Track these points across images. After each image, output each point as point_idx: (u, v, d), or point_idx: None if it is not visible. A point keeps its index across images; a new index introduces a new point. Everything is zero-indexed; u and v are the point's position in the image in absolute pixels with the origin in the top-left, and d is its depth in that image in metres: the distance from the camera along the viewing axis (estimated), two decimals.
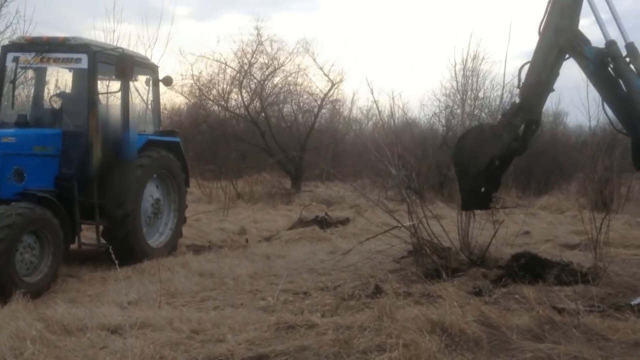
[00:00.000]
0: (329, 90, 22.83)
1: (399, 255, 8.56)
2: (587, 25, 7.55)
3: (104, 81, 9.20)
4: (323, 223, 12.87)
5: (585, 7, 7.31)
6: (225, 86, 22.50)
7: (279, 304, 6.58)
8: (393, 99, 9.63)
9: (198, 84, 22.33)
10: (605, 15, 7.25)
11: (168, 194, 9.79)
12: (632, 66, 6.87)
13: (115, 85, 8.86)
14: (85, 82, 8.49)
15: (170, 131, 10.38)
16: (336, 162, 25.02)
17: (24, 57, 8.52)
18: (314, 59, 22.47)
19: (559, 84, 7.47)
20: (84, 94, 8.46)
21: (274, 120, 22.84)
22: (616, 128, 7.53)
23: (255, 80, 22.15)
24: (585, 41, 7.14)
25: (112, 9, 20.33)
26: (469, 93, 21.57)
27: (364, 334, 4.82)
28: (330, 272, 8.32)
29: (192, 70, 21.99)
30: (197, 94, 22.70)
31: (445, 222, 10.15)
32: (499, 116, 8.47)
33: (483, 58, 22.37)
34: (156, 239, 9.56)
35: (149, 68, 9.76)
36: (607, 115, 7.33)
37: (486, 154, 7.56)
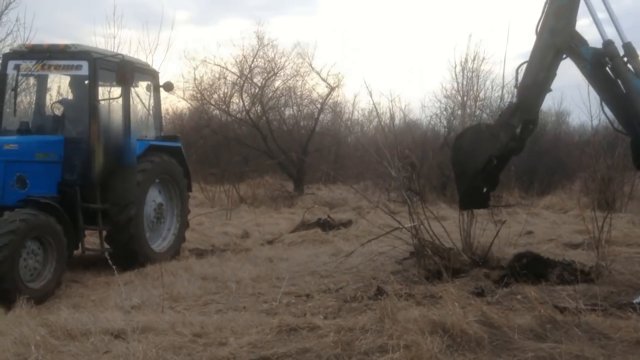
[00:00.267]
0: (328, 94, 22.89)
1: (401, 256, 8.57)
2: (585, 25, 7.59)
3: (106, 87, 9.20)
4: (325, 225, 12.88)
5: (583, 8, 7.33)
6: (226, 90, 22.57)
7: (281, 306, 6.59)
8: (392, 101, 9.64)
9: (199, 88, 22.41)
10: (602, 15, 7.28)
11: (170, 199, 9.82)
12: (630, 66, 6.89)
13: (117, 91, 8.87)
14: (86, 88, 8.54)
15: (172, 136, 10.42)
16: (338, 165, 25.04)
17: (25, 64, 8.57)
18: (310, 64, 22.53)
19: (560, 83, 7.50)
20: (85, 100, 8.50)
21: (275, 123, 22.89)
22: (615, 128, 7.54)
23: (256, 85, 22.20)
24: (582, 42, 7.16)
25: (112, 15, 20.55)
26: (470, 94, 21.66)
27: (365, 336, 4.83)
28: (332, 274, 8.33)
29: (194, 74, 22.09)
30: (199, 99, 22.78)
31: (447, 223, 10.19)
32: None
33: (483, 59, 22.48)
34: (159, 244, 9.60)
35: (150, 74, 9.81)
36: (606, 115, 7.38)
37: (484, 153, 7.60)
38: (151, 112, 9.90)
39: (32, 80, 9.44)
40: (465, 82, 22.23)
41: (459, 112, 21.15)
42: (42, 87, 9.64)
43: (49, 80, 9.68)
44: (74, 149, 8.28)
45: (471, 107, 21.22)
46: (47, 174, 8.10)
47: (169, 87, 9.83)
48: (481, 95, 21.91)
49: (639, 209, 15.90)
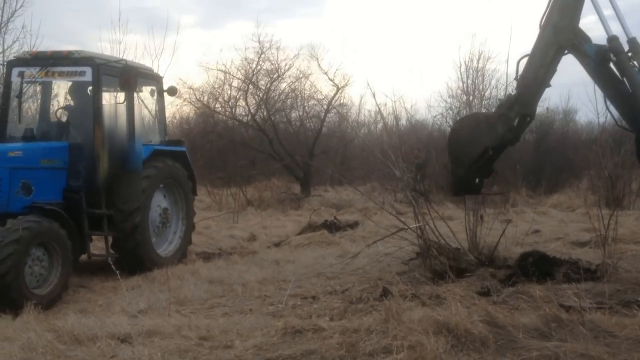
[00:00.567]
0: (334, 95, 22.90)
1: (407, 257, 8.56)
2: (593, 22, 7.56)
3: (110, 93, 9.24)
4: (332, 227, 12.87)
5: (587, 4, 7.32)
6: (231, 93, 22.63)
7: (287, 308, 6.61)
8: (395, 102, 9.66)
9: (205, 93, 22.48)
10: (608, 11, 7.27)
11: (175, 203, 9.85)
12: (635, 62, 6.87)
13: (121, 96, 8.92)
14: (90, 94, 8.59)
15: (177, 141, 10.45)
16: (345, 166, 25.05)
17: (29, 71, 8.61)
18: (319, 64, 22.56)
19: (567, 80, 7.56)
20: (89, 106, 8.55)
21: (282, 126, 22.92)
22: (620, 125, 7.52)
23: (261, 88, 22.25)
24: (586, 39, 7.16)
25: (117, 20, 20.69)
26: (476, 93, 21.63)
27: (370, 337, 4.85)
28: (338, 275, 8.34)
29: (192, 89, 22.16)
30: (205, 103, 22.86)
31: (455, 223, 10.16)
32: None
33: (489, 58, 22.45)
34: (165, 248, 9.63)
35: (154, 79, 9.84)
36: (610, 112, 7.35)
37: (480, 143, 7.64)
38: (155, 116, 9.93)
39: (36, 87, 9.48)
40: (470, 82, 22.24)
41: (465, 111, 21.09)
42: (46, 94, 9.70)
43: (53, 86, 9.75)
44: (78, 155, 8.32)
45: (477, 107, 21.16)
46: (52, 180, 8.14)
47: (172, 91, 9.86)
48: (487, 94, 21.89)
49: None
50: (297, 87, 23.09)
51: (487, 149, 7.62)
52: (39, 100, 9.77)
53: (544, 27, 7.43)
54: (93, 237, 8.74)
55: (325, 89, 23.14)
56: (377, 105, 18.18)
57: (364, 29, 50.22)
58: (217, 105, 22.79)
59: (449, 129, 22.22)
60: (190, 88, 22.01)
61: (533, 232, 11.53)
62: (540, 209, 16.37)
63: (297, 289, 7.54)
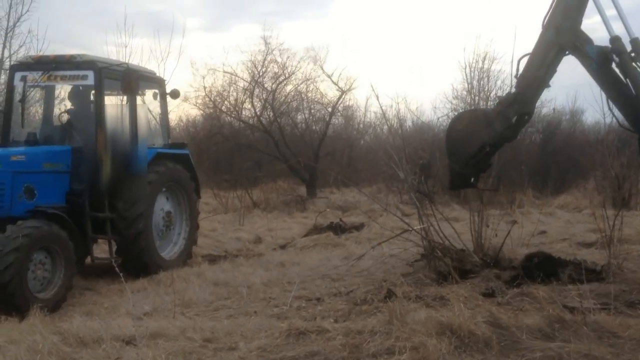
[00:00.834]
0: (339, 98, 22.92)
1: (412, 258, 8.57)
2: (596, 23, 7.55)
3: (113, 96, 9.28)
4: (338, 229, 12.89)
5: (590, 5, 7.31)
6: (237, 96, 22.69)
7: (291, 310, 6.62)
8: (398, 103, 9.69)
9: (210, 95, 22.54)
10: (610, 11, 7.26)
11: (179, 204, 9.85)
12: (638, 63, 6.87)
13: (123, 100, 8.95)
14: (93, 98, 8.64)
15: (180, 144, 10.47)
16: (351, 168, 25.05)
17: (32, 75, 8.65)
18: (322, 67, 22.58)
19: (573, 81, 7.55)
20: (91, 110, 8.57)
21: (288, 128, 22.95)
22: (622, 125, 7.52)
23: (267, 90, 22.29)
24: (588, 40, 7.18)
25: (123, 24, 20.78)
26: (481, 94, 21.60)
27: (373, 338, 4.86)
28: (343, 277, 8.35)
29: (203, 82, 22.23)
30: (210, 106, 22.92)
31: (460, 224, 10.18)
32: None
33: (494, 59, 22.40)
34: (170, 250, 9.65)
35: (156, 82, 9.86)
36: (612, 113, 7.40)
37: (478, 139, 7.71)
38: (158, 120, 9.95)
39: (39, 92, 9.52)
40: (475, 83, 22.20)
41: None
42: (49, 98, 9.72)
43: (56, 90, 9.78)
44: (81, 159, 8.34)
45: (482, 107, 21.12)
46: (55, 184, 8.14)
47: (175, 94, 9.88)
48: (492, 95, 21.83)
49: None
50: (302, 89, 23.14)
51: (485, 146, 7.70)
52: (42, 104, 9.79)
53: (546, 28, 7.45)
54: (100, 241, 8.76)
55: (330, 93, 23.18)
56: (381, 107, 18.15)
57: (368, 31, 50.26)
58: (223, 108, 22.85)
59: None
60: (203, 86, 22.06)
61: (539, 233, 11.52)
62: (546, 209, 16.33)
63: (301, 291, 7.55)
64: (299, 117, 23.70)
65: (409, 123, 19.87)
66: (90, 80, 8.50)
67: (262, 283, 8.13)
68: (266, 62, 22.11)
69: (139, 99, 9.04)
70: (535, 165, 21.25)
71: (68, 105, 9.37)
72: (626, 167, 15.63)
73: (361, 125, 28.35)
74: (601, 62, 6.99)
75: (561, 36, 7.30)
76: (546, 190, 20.74)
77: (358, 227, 13.23)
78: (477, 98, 21.99)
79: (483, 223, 8.43)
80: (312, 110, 23.65)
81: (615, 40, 6.91)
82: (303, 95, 23.16)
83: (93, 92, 8.74)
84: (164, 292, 7.65)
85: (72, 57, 8.60)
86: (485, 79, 22.46)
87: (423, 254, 8.31)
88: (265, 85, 22.36)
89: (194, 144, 20.93)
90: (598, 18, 7.36)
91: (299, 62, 22.53)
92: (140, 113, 8.87)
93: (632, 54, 6.84)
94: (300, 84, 22.90)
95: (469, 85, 22.66)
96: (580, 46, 7.15)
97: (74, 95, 9.10)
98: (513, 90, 7.81)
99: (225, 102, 22.76)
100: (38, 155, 8.16)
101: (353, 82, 22.65)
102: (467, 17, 47.60)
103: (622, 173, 15.57)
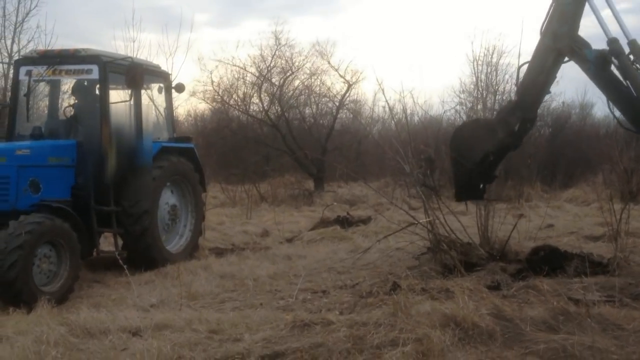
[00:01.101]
0: (346, 91, 22.90)
1: (418, 252, 8.58)
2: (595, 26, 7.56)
3: (118, 90, 9.31)
4: (345, 223, 12.91)
5: (587, 9, 7.36)
6: (245, 90, 22.72)
7: (297, 303, 6.65)
8: (404, 97, 9.67)
9: (218, 90, 22.58)
10: (605, 12, 7.29)
11: (184, 197, 9.88)
12: (637, 64, 6.88)
13: (129, 94, 8.97)
14: (98, 92, 8.68)
15: (185, 137, 10.50)
16: (359, 162, 25.05)
17: (37, 70, 8.67)
18: (329, 61, 22.57)
19: (583, 74, 7.46)
20: (96, 104, 8.61)
21: (295, 122, 22.97)
22: (624, 126, 7.54)
23: (274, 85, 22.31)
24: (585, 44, 7.24)
25: (131, 19, 20.88)
26: (489, 88, 21.52)
27: (378, 330, 4.87)
28: (349, 270, 8.37)
29: (211, 77, 22.28)
30: (218, 100, 22.97)
31: (467, 218, 10.16)
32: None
33: (503, 52, 22.31)
34: (177, 242, 9.69)
35: (161, 76, 9.87)
36: (613, 114, 7.45)
37: (481, 148, 7.75)
38: (163, 113, 9.98)
39: (44, 86, 9.56)
40: (483, 77, 22.12)
41: (479, 106, 21.00)
42: (54, 92, 9.76)
43: (61, 85, 9.82)
44: (86, 153, 8.37)
45: (490, 101, 21.07)
46: (60, 177, 8.17)
47: (180, 88, 9.89)
48: (500, 88, 21.77)
49: None
50: (310, 84, 23.14)
51: (488, 154, 7.74)
52: (47, 99, 9.83)
53: (544, 34, 7.53)
54: (106, 234, 8.80)
55: (338, 86, 23.17)
56: (386, 100, 18.17)
57: (377, 24, 50.12)
58: (231, 102, 22.89)
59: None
60: (210, 80, 22.10)
61: (547, 226, 11.51)
62: (554, 203, 16.30)
63: (307, 284, 7.57)
64: (307, 111, 23.73)
65: (416, 118, 19.80)
66: (95, 75, 8.52)
67: (268, 276, 8.16)
68: (274, 57, 22.15)
69: (144, 93, 9.08)
70: (544, 158, 21.18)
71: (73, 99, 9.39)
72: (634, 161, 15.55)
73: (369, 120, 28.36)
74: (599, 65, 7.04)
75: (559, 41, 7.37)
76: (555, 184, 20.68)
77: (365, 221, 13.24)
78: (485, 92, 21.92)
79: (489, 216, 8.43)
80: (320, 104, 23.67)
81: (612, 42, 6.95)
82: (310, 90, 23.18)
83: (98, 86, 8.77)
84: (170, 285, 7.70)
85: (76, 51, 8.63)
86: (494, 73, 22.39)
87: (429, 247, 8.32)
88: (273, 80, 22.39)
89: (202, 138, 21.00)
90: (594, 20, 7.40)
91: (306, 56, 22.57)
92: (145, 107, 8.89)
93: (630, 56, 6.85)
94: (308, 78, 22.93)
95: (477, 79, 22.60)
96: (578, 50, 7.21)
97: (77, 90, 9.14)
98: (514, 98, 7.85)
99: (234, 96, 22.81)
100: (43, 149, 8.18)
101: (360, 75, 22.65)
102: (476, 10, 47.42)
103: (631, 167, 15.49)
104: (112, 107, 8.59)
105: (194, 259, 9.59)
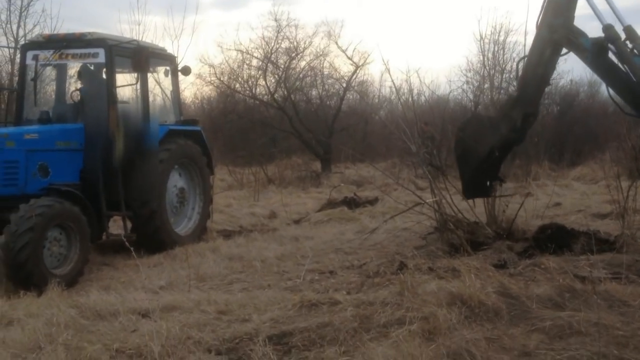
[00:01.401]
0: (353, 73, 22.81)
1: (425, 232, 8.60)
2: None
3: (125, 74, 9.32)
4: (352, 204, 12.94)
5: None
6: (250, 73, 22.68)
7: (304, 283, 6.70)
8: (410, 77, 9.66)
9: (222, 76, 22.54)
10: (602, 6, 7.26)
11: (192, 180, 9.91)
12: (635, 50, 6.84)
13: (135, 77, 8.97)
14: (104, 76, 8.69)
15: (192, 120, 10.50)
16: (366, 143, 25.03)
17: (43, 54, 8.69)
18: (336, 42, 22.47)
19: None
20: (103, 87, 8.62)
21: (302, 104, 22.93)
22: (625, 112, 7.53)
23: (280, 67, 22.25)
24: (581, 33, 7.23)
25: (136, 2, 20.81)
26: (497, 67, 21.38)
27: (384, 309, 4.91)
28: (356, 250, 8.41)
29: (215, 61, 22.24)
30: (225, 83, 22.94)
31: None
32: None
33: (510, 30, 22.14)
34: (185, 225, 9.73)
35: (167, 59, 9.86)
36: (614, 101, 7.48)
37: (485, 144, 7.80)
38: (170, 96, 9.99)
39: (50, 70, 9.58)
40: (490, 55, 21.99)
41: (486, 85, 20.91)
42: (61, 76, 9.74)
43: (67, 68, 9.84)
44: (94, 136, 8.40)
45: (497, 80, 20.98)
46: (68, 161, 8.21)
47: (186, 71, 9.88)
48: (508, 67, 21.63)
49: None
50: (316, 65, 23.07)
51: (493, 150, 7.77)
52: (54, 83, 9.86)
53: (540, 27, 7.55)
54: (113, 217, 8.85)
55: (345, 68, 23.09)
56: (393, 81, 18.12)
57: (382, 3, 49.70)
58: (237, 85, 22.85)
59: (469, 104, 22.21)
60: (212, 66, 22.07)
61: (554, 204, 11.50)
62: (562, 181, 16.26)
63: (315, 264, 7.62)
64: (313, 92, 23.67)
65: (423, 98, 19.77)
66: (101, 58, 8.53)
67: (276, 257, 8.21)
68: (278, 38, 22.07)
69: (150, 76, 9.08)
70: (551, 137, 21.09)
71: (80, 83, 9.40)
72: None
73: (376, 100, 28.28)
74: (596, 52, 7.02)
75: (555, 33, 7.38)
76: (562, 162, 20.62)
77: (372, 202, 13.27)
78: (492, 71, 21.80)
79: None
80: (326, 86, 23.61)
81: (608, 28, 6.91)
82: (317, 71, 23.11)
83: (104, 70, 8.78)
84: (179, 267, 7.76)
85: (82, 35, 8.63)
86: (501, 51, 22.25)
87: (436, 227, 8.34)
88: (279, 62, 22.32)
89: (209, 121, 21.02)
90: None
91: (311, 37, 22.48)
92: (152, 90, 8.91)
93: (627, 42, 6.81)
94: (314, 59, 22.85)
95: (484, 58, 22.46)
96: (574, 40, 7.21)
97: (84, 74, 9.15)
98: (515, 93, 7.89)
99: (239, 80, 22.78)
100: (51, 133, 8.22)
101: (368, 57, 22.56)
102: None
103: (639, 144, 15.37)
104: (119, 91, 8.61)
105: (202, 241, 9.64)
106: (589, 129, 21.82)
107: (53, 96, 9.86)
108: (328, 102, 23.59)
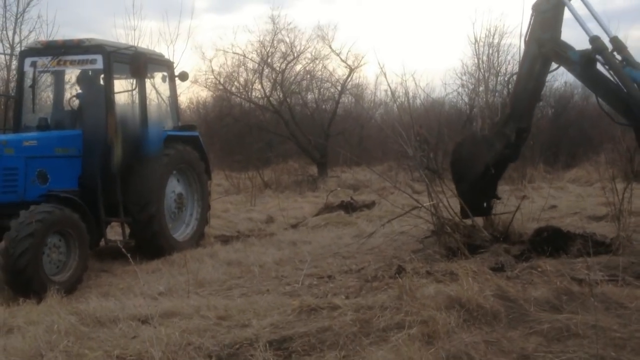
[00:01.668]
0: (348, 76, 22.87)
1: (422, 235, 8.63)
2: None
3: (123, 80, 9.35)
4: (349, 208, 12.97)
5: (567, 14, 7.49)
6: (246, 76, 22.72)
7: (303, 288, 6.71)
8: (405, 80, 9.73)
9: (219, 77, 22.58)
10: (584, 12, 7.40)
11: (190, 185, 9.94)
12: (623, 60, 6.94)
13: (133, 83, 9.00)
14: (102, 82, 8.71)
15: (189, 125, 10.53)
16: (362, 146, 25.06)
17: (41, 61, 8.73)
18: (330, 46, 22.54)
19: None
20: (101, 94, 8.64)
21: (297, 108, 22.97)
22: (616, 121, 7.62)
23: (276, 71, 22.28)
24: (569, 47, 7.36)
25: (131, 7, 20.83)
26: (491, 70, 21.46)
27: (384, 313, 4.92)
28: (354, 255, 8.43)
29: (211, 65, 22.27)
30: (220, 87, 22.97)
31: None
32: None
33: (504, 33, 22.23)
34: (183, 231, 9.76)
35: (164, 64, 9.90)
36: (604, 110, 7.69)
37: (481, 162, 7.91)
38: (167, 102, 10.01)
39: (48, 77, 9.61)
40: (485, 58, 22.06)
41: (481, 88, 20.99)
42: (59, 83, 9.77)
43: (65, 75, 9.87)
44: (92, 142, 8.42)
45: (492, 83, 21.04)
46: (67, 168, 8.24)
47: (184, 76, 9.92)
48: (502, 69, 21.71)
49: None
50: (312, 69, 23.13)
51: (489, 167, 7.86)
52: (52, 89, 9.88)
53: (528, 43, 7.69)
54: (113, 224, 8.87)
55: (340, 71, 23.16)
56: (388, 84, 18.20)
57: (377, 6, 49.81)
58: (233, 89, 22.90)
59: (464, 107, 22.30)
60: (210, 68, 22.10)
61: (550, 207, 11.54)
62: (557, 184, 16.33)
63: (313, 269, 7.63)
64: (309, 96, 23.73)
65: (418, 100, 19.80)
66: (99, 64, 8.56)
67: (274, 262, 8.22)
68: (274, 42, 22.13)
69: (147, 82, 9.10)
70: (546, 139, 21.19)
71: (78, 89, 9.43)
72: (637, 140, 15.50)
73: (371, 104, 28.34)
74: (585, 64, 7.13)
75: (543, 47, 7.51)
76: (557, 165, 20.70)
77: (369, 205, 13.31)
78: (486, 73, 21.86)
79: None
80: (322, 89, 23.67)
81: (594, 40, 7.02)
82: (312, 74, 23.17)
83: (102, 76, 8.80)
84: (177, 273, 7.76)
85: (80, 41, 8.65)
86: (495, 54, 22.33)
87: (433, 230, 8.36)
88: (275, 66, 22.37)
89: (205, 126, 21.04)
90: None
91: (307, 41, 22.55)
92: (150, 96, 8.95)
93: (615, 53, 6.90)
94: (309, 63, 22.91)
95: (479, 61, 22.54)
96: (562, 53, 7.34)
97: (82, 80, 9.17)
98: (507, 109, 8.02)
99: (235, 84, 22.83)
100: (50, 139, 8.25)
101: (362, 59, 22.62)
102: None
103: (633, 146, 15.44)
104: (117, 97, 8.63)
105: (200, 246, 9.66)
106: (583, 131, 21.92)
107: (51, 103, 9.88)
108: (324, 106, 23.64)
